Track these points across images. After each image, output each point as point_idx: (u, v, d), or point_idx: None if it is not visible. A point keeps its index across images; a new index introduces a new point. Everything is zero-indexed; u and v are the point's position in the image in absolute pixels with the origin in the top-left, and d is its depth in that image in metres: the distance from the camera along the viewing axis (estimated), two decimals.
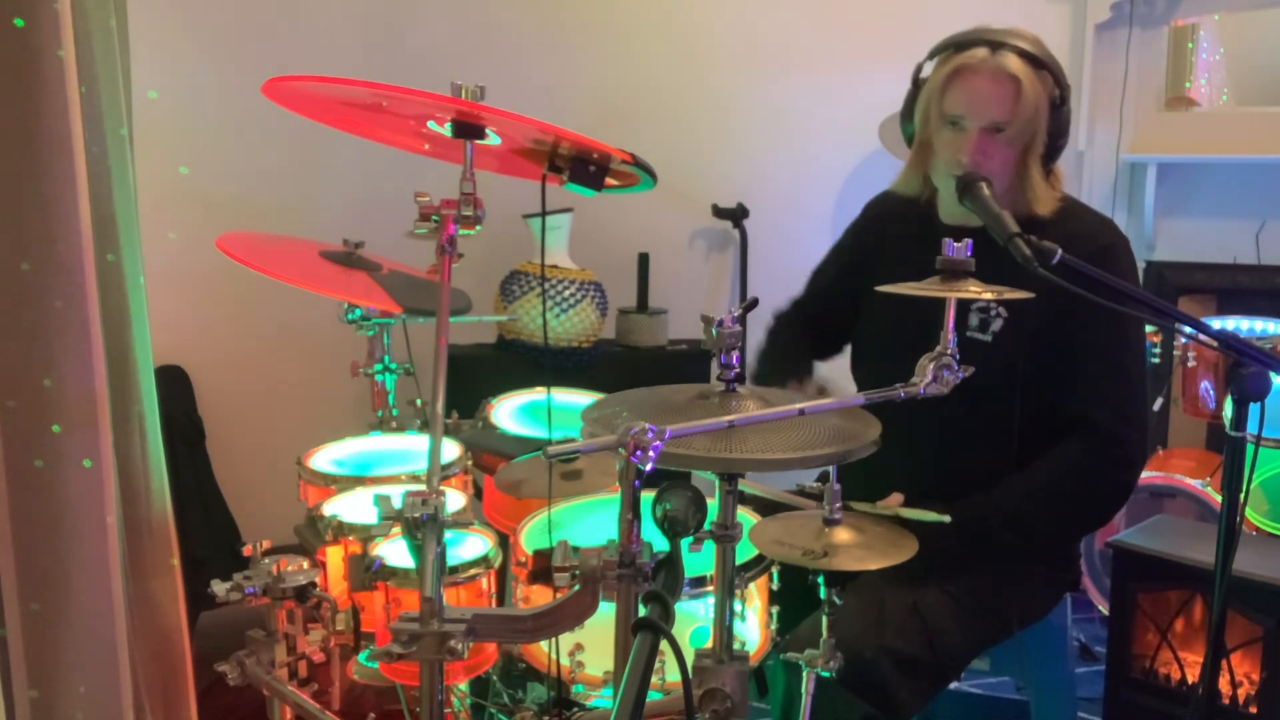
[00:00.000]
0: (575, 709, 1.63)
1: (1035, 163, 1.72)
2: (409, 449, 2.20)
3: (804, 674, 1.49)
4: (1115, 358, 1.72)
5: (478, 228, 1.39)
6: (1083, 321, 1.66)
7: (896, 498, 1.70)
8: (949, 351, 1.28)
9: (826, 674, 1.47)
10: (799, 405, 1.26)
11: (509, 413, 2.37)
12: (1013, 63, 1.67)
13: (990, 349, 1.73)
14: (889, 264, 1.98)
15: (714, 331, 1.32)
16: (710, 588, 1.58)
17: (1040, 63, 1.69)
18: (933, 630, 1.65)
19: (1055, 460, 1.71)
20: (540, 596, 1.58)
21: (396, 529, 1.19)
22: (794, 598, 1.72)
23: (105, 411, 1.41)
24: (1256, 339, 2.68)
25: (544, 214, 1.57)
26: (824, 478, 1.66)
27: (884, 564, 1.39)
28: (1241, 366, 1.31)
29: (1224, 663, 1.99)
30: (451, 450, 2.11)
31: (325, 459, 2.12)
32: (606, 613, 1.21)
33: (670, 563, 1.18)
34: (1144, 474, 1.83)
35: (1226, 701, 2.02)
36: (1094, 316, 1.59)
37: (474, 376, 2.86)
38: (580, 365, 2.97)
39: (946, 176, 1.75)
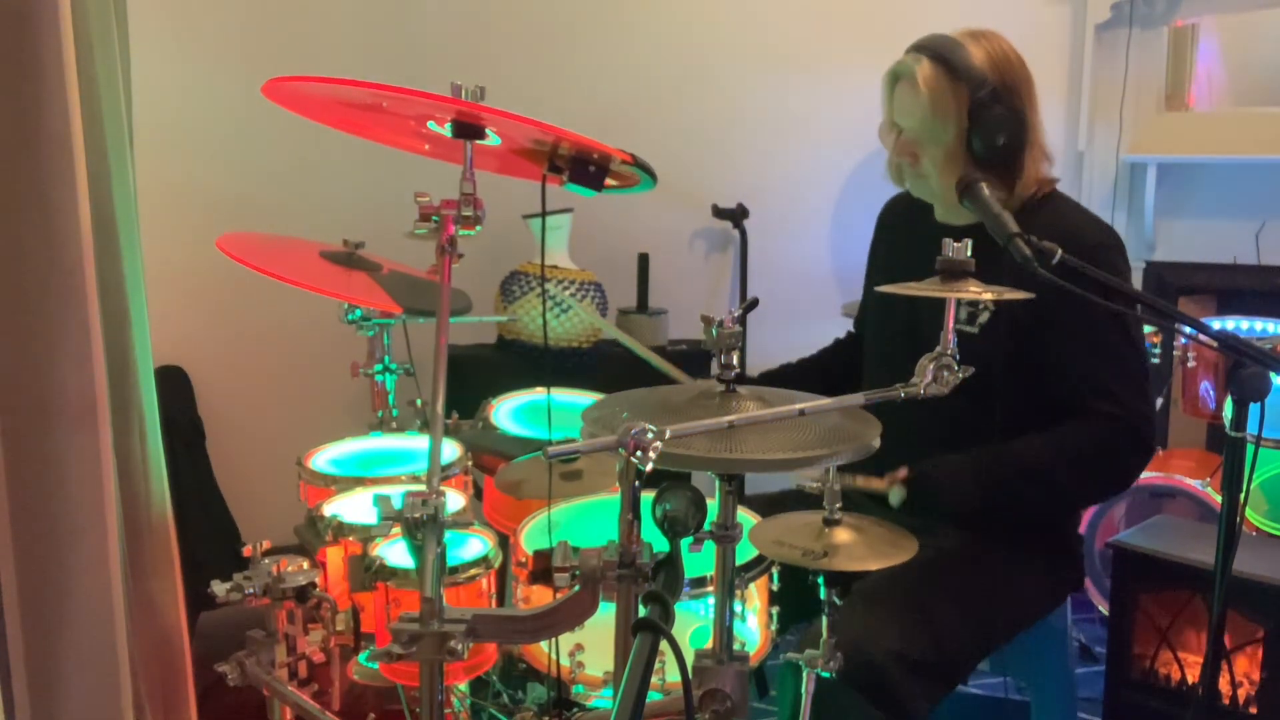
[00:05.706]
0: (575, 709, 1.63)
1: (969, 162, 1.75)
2: (409, 449, 2.20)
3: (804, 674, 1.49)
4: (1122, 338, 1.73)
5: (478, 228, 1.39)
6: (1083, 306, 1.67)
7: (902, 472, 1.69)
8: (949, 351, 1.28)
9: (826, 674, 1.47)
10: (799, 405, 1.26)
11: (509, 413, 2.37)
12: (917, 67, 1.75)
13: (977, 341, 1.75)
14: (883, 265, 2.03)
15: (714, 332, 1.32)
16: (710, 588, 1.58)
17: (952, 65, 1.72)
18: (939, 632, 1.64)
19: (1078, 428, 1.71)
20: (540, 597, 1.58)
21: (396, 529, 1.19)
22: (794, 598, 1.72)
23: (105, 411, 1.40)
24: (1256, 339, 2.68)
25: (544, 214, 1.57)
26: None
27: (884, 564, 1.39)
28: (1241, 366, 1.31)
29: (1224, 663, 1.99)
30: (451, 450, 2.11)
31: (325, 459, 2.12)
32: (606, 613, 1.20)
33: (670, 563, 1.18)
34: (1144, 474, 1.83)
35: (1226, 702, 2.02)
36: (1092, 303, 1.61)
37: (474, 376, 2.85)
38: (580, 365, 2.97)
39: (915, 177, 1.84)
